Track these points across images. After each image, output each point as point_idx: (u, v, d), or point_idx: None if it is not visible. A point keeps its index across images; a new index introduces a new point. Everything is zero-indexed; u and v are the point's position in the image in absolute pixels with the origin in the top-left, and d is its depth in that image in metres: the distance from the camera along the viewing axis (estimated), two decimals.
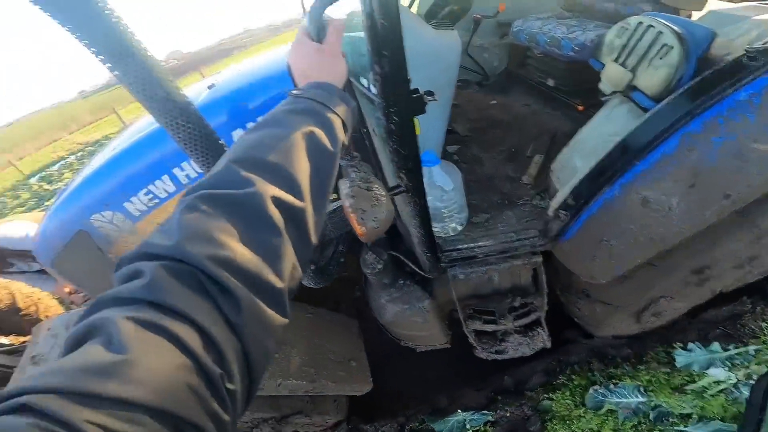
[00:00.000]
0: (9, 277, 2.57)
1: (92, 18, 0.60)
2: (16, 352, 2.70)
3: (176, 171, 1.11)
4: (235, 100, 1.15)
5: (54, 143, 17.80)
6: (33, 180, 11.60)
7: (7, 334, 3.05)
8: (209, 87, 1.26)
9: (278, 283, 0.39)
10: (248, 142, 0.49)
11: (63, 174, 10.68)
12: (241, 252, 0.37)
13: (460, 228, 1.47)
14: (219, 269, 0.35)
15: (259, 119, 0.56)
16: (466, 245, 1.40)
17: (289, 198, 0.44)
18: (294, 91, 0.60)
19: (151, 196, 1.13)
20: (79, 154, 12.47)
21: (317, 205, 0.49)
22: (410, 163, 0.97)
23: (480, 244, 1.39)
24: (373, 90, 0.82)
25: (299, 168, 0.47)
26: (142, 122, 1.34)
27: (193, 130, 0.79)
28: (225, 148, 0.87)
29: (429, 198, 1.07)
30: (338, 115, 0.58)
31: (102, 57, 0.64)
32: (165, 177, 1.11)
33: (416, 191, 1.07)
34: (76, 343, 0.30)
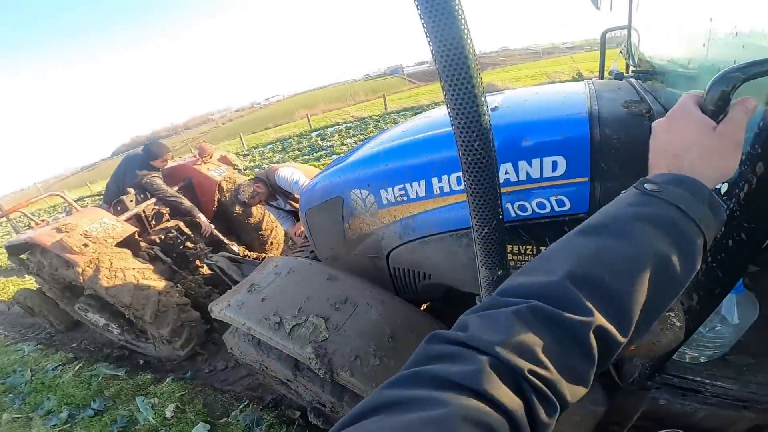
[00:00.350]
0: (267, 207, 3.42)
1: (447, 25, 0.61)
2: (236, 262, 3.48)
3: (434, 180, 1.16)
4: (514, 132, 1.10)
5: (336, 111, 23.11)
6: (314, 134, 15.44)
7: (239, 245, 4.09)
8: (492, 109, 1.25)
9: (569, 399, 0.39)
10: (587, 253, 0.42)
11: (333, 136, 13.73)
12: (554, 372, 0.38)
13: (703, 360, 1.13)
14: (537, 381, 0.37)
15: (596, 216, 0.47)
16: (698, 378, 1.10)
17: (613, 332, 0.40)
18: (648, 185, 0.47)
19: (403, 192, 1.23)
20: (348, 125, 15.75)
21: (635, 338, 0.42)
22: (718, 289, 0.71)
23: (720, 384, 1.08)
24: (723, 189, 0.61)
25: (637, 301, 0.40)
26: (430, 120, 1.43)
27: (481, 158, 0.76)
28: (496, 180, 0.82)
29: None
30: (704, 236, 0.43)
31: (440, 59, 0.66)
32: (422, 182, 1.17)
33: (696, 318, 0.79)
34: (396, 405, 0.33)
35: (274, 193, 3.15)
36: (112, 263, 3.00)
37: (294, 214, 3.37)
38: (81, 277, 2.93)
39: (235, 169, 4.21)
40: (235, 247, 3.87)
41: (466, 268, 1.27)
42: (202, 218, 3.70)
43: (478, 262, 0.99)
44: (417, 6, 0.64)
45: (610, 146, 1.00)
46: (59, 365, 4.13)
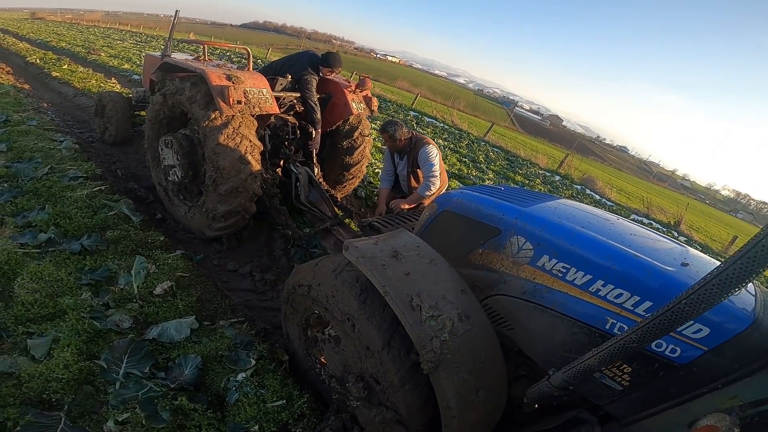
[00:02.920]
0: (387, 155, 3.62)
1: None
2: (311, 183, 3.65)
3: (599, 282, 1.32)
4: None
5: (440, 105, 22.89)
6: (411, 113, 15.54)
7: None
8: (683, 264, 1.37)
9: None
10: None
11: (428, 127, 13.75)
12: None
13: None
14: None
15: None
16: None
17: None
18: None
19: (564, 271, 1.40)
20: (445, 126, 15.74)
21: None
22: None
23: None
24: None
25: None
26: (632, 236, 1.53)
27: (691, 310, 0.91)
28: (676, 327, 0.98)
29: None
30: None
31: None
32: (588, 276, 1.35)
33: None
34: None
35: (405, 153, 3.34)
36: (239, 125, 3.05)
37: (397, 180, 3.54)
38: (207, 123, 2.98)
39: (370, 112, 4.16)
40: (317, 170, 3.98)
41: (554, 346, 1.45)
42: (318, 136, 3.86)
43: (593, 356, 1.16)
44: None
45: (745, 344, 1.14)
46: (81, 177, 3.68)
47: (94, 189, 3.48)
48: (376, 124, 8.70)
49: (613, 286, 1.30)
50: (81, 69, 9.36)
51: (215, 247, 3.40)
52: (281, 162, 3.90)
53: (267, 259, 3.45)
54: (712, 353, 1.20)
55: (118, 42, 19.49)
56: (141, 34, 32.12)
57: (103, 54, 13.02)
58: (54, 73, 8.36)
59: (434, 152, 3.15)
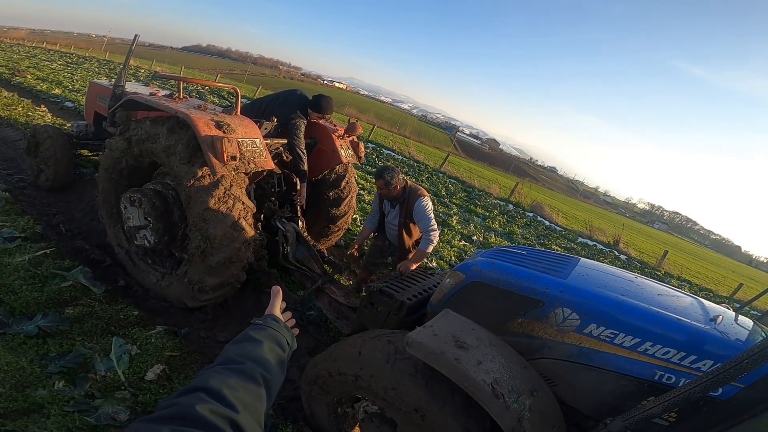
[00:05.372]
0: (376, 199, 3.38)
1: None
2: (298, 239, 3.34)
3: (647, 344, 1.47)
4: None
5: (395, 136, 23.15)
6: (370, 145, 15.66)
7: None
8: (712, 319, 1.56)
9: None
10: None
11: (388, 161, 13.98)
12: None
13: None
14: None
15: None
16: None
17: None
18: None
19: (612, 336, 1.52)
20: (404, 158, 16.06)
21: None
22: None
23: None
24: None
25: None
26: (675, 304, 1.67)
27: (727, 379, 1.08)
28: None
29: None
30: None
31: None
32: (636, 339, 1.48)
33: None
34: None
35: (397, 203, 3.20)
36: (231, 186, 2.64)
37: (381, 226, 3.41)
38: (192, 182, 2.53)
39: (357, 160, 3.92)
40: (302, 224, 3.67)
41: (602, 396, 1.58)
42: (304, 189, 3.55)
43: (656, 405, 1.27)
44: None
45: None
46: (18, 237, 3.07)
47: (38, 253, 2.91)
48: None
49: (661, 346, 1.45)
50: (5, 94, 8.28)
51: (198, 316, 2.99)
52: (262, 217, 3.45)
53: None
54: (749, 389, 1.36)
55: (46, 63, 17.70)
56: (72, 54, 29.64)
57: (29, 76, 11.76)
58: None
59: (430, 205, 3.09)
